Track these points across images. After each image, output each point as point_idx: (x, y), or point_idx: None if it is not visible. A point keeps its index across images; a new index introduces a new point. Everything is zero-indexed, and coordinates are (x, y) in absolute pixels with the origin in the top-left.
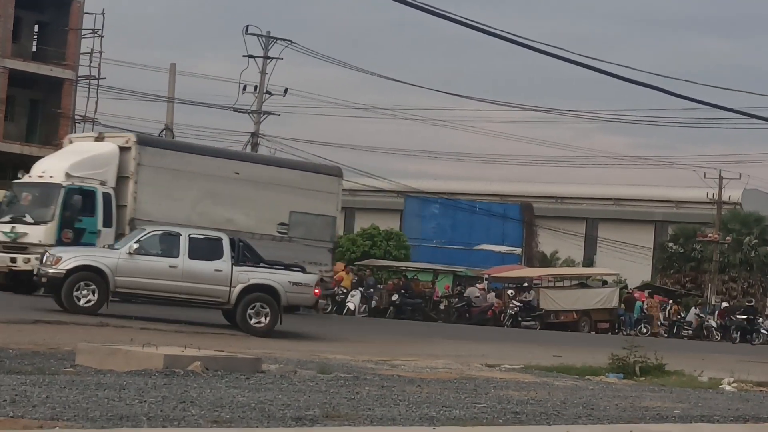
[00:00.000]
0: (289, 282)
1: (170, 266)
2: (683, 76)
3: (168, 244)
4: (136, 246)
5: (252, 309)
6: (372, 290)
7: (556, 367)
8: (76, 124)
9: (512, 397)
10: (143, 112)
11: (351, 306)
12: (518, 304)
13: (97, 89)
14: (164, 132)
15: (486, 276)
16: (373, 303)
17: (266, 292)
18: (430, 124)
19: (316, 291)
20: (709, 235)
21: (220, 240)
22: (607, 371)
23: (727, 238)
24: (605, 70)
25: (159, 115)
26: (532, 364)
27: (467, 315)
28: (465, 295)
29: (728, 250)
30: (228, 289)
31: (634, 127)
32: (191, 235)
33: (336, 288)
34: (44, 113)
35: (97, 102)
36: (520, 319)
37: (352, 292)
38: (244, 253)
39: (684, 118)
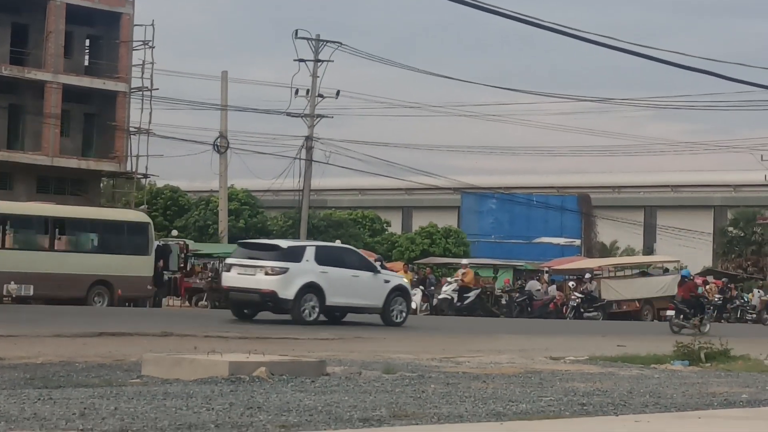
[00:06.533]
0: None
1: None
2: (734, 59)
3: None
4: None
5: None
6: (433, 288)
7: (620, 356)
8: (131, 136)
9: (578, 389)
10: (197, 121)
11: (412, 305)
12: (580, 295)
13: (151, 100)
14: (218, 140)
15: (546, 269)
16: (435, 301)
17: None
18: (483, 120)
19: None
20: None
21: None
22: (672, 359)
23: None
24: (657, 58)
25: (213, 124)
26: (596, 355)
27: (529, 309)
28: (526, 288)
29: None
30: None
31: (689, 113)
32: None
33: None
34: (99, 126)
35: (151, 113)
36: (582, 310)
37: (413, 291)
38: None
39: (739, 101)
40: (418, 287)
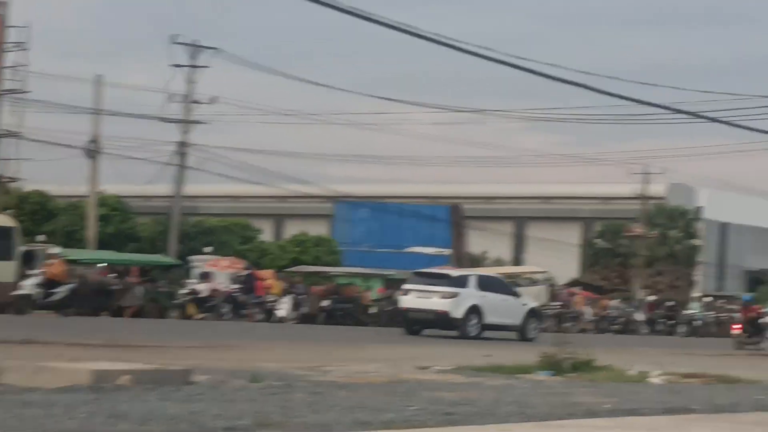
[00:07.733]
0: None
1: None
2: (608, 72)
3: None
4: None
5: None
6: (302, 296)
7: (487, 366)
8: (2, 139)
9: (444, 399)
10: (70, 125)
11: (282, 313)
12: None
13: (23, 103)
14: (89, 144)
15: None
16: (304, 309)
17: None
18: (357, 129)
19: None
20: (636, 230)
21: None
22: (537, 369)
23: (653, 232)
24: (530, 69)
25: (87, 128)
26: (463, 365)
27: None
28: (395, 298)
29: (654, 245)
30: None
31: (561, 125)
32: None
33: (265, 295)
34: None
35: (23, 116)
36: None
37: (283, 299)
38: None
39: (610, 115)
40: (287, 296)
